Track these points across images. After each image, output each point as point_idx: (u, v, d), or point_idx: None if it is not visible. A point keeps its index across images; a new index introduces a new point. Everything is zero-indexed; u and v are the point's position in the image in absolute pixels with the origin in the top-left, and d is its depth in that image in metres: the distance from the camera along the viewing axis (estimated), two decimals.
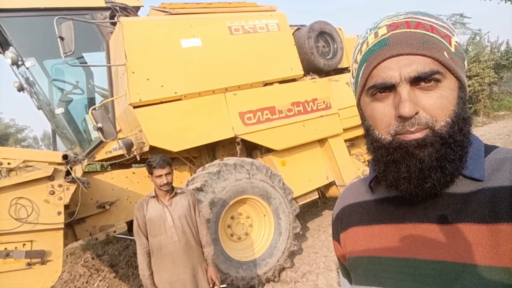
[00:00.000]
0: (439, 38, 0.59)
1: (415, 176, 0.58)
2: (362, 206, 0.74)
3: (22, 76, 4.41)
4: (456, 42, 0.61)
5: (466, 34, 20.79)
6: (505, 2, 20.36)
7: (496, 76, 14.61)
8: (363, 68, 0.64)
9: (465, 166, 0.59)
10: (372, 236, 0.69)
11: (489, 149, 0.64)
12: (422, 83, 0.57)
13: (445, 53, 0.58)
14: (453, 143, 0.57)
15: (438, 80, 0.57)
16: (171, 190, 2.47)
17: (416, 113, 0.56)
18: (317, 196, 4.67)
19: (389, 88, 0.59)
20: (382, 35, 0.61)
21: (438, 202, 0.60)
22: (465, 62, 0.64)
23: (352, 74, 0.70)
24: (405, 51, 0.58)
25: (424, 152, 0.57)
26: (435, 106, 0.57)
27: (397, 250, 0.64)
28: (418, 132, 0.57)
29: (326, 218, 5.55)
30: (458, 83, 0.60)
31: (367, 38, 0.64)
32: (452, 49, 0.60)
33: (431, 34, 0.59)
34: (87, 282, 4.85)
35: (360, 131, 4.92)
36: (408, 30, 0.59)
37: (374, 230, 0.69)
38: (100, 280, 4.80)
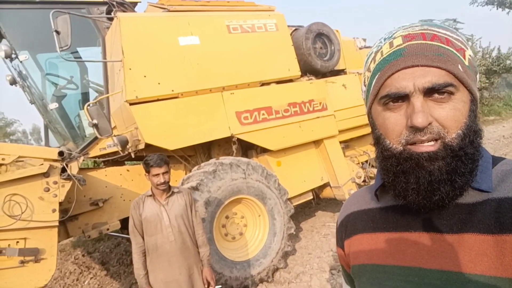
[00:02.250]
0: (454, 51, 0.59)
1: (424, 188, 0.58)
2: (367, 213, 0.75)
3: (15, 69, 4.33)
4: (470, 55, 0.61)
5: None
6: (497, 8, 20.71)
7: (487, 81, 14.85)
8: (376, 77, 0.64)
9: (474, 178, 0.60)
10: (376, 244, 0.70)
11: (496, 160, 0.64)
12: (436, 95, 0.58)
13: (459, 66, 0.58)
14: (464, 156, 0.57)
15: (451, 93, 0.58)
16: (168, 189, 2.46)
17: (429, 124, 0.57)
18: (312, 197, 4.70)
19: (402, 98, 0.59)
20: (397, 46, 0.61)
21: (444, 212, 0.61)
22: (477, 75, 0.64)
23: (364, 82, 0.70)
24: (420, 63, 0.58)
25: (434, 165, 0.57)
26: (448, 117, 0.57)
27: (401, 259, 0.64)
28: (430, 142, 0.58)
29: (320, 219, 5.57)
30: (470, 96, 0.61)
31: (381, 48, 0.64)
32: (466, 63, 0.60)
33: (447, 47, 0.59)
34: (77, 280, 4.80)
35: (355, 133, 5.00)
36: (424, 41, 0.59)
37: (378, 237, 0.70)
38: (91, 278, 4.76)
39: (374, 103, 0.66)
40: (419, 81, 0.58)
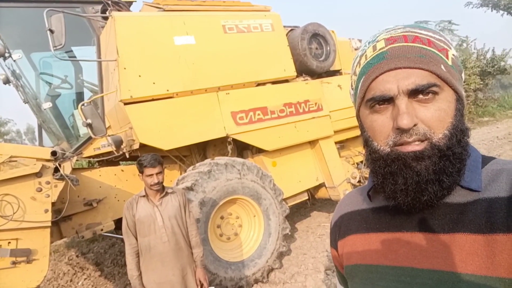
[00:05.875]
0: (436, 51, 0.60)
1: (412, 189, 0.59)
2: (360, 214, 0.75)
3: (9, 68, 4.29)
4: (453, 55, 0.62)
5: (454, 40, 21.30)
6: (491, 10, 20.93)
7: (481, 82, 14.97)
8: (361, 80, 0.65)
9: (462, 177, 0.60)
10: (369, 244, 0.70)
11: (486, 160, 0.65)
12: (420, 96, 0.58)
13: (442, 66, 0.59)
14: (451, 156, 0.58)
15: (435, 93, 0.58)
16: (162, 190, 2.44)
17: (415, 125, 0.57)
18: (307, 197, 4.70)
19: (388, 100, 0.60)
20: (380, 49, 0.62)
21: (435, 212, 0.61)
22: (463, 74, 0.65)
23: (351, 85, 0.71)
24: (402, 65, 0.59)
25: (421, 164, 0.58)
26: (433, 118, 0.58)
27: (394, 259, 0.64)
28: (416, 142, 0.58)
29: (315, 219, 5.58)
30: (456, 95, 0.61)
31: (365, 51, 0.65)
32: (449, 62, 0.61)
33: (428, 48, 0.60)
34: (71, 281, 4.76)
35: (350, 134, 5.01)
36: (405, 44, 0.60)
37: (371, 238, 0.70)
38: (85, 279, 4.72)
39: (362, 106, 0.66)
40: (402, 83, 0.58)
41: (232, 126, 3.80)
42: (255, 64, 4.09)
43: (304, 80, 4.57)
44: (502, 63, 15.52)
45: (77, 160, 4.08)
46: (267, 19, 4.27)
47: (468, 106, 14.58)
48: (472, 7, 21.24)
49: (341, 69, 5.29)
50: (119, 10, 3.94)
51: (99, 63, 3.94)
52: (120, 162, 4.72)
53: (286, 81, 4.39)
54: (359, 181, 4.78)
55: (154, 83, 3.44)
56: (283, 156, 4.35)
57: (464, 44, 19.51)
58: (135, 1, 4.28)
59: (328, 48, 4.83)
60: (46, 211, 2.56)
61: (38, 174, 2.56)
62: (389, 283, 0.64)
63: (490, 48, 15.98)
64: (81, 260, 5.48)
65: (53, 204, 2.67)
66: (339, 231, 0.79)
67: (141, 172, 2.37)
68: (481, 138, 10.36)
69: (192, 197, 3.23)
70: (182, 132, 3.54)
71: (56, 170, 2.67)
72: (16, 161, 2.57)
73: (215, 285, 3.22)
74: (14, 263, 2.41)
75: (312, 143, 4.61)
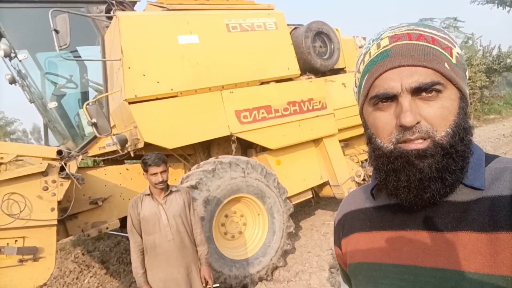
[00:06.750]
0: (440, 49, 0.60)
1: (415, 186, 0.59)
2: (363, 212, 0.75)
3: (14, 68, 4.33)
4: (458, 53, 0.62)
5: (459, 37, 21.13)
6: (497, 7, 20.71)
7: (487, 80, 14.85)
8: (365, 78, 0.65)
9: (465, 175, 0.60)
10: (373, 243, 0.70)
11: (490, 158, 0.64)
12: (423, 94, 0.58)
13: (446, 65, 0.59)
14: (454, 153, 0.58)
15: (439, 91, 0.58)
16: (166, 188, 2.46)
17: (417, 123, 0.58)
18: (311, 196, 4.70)
19: (391, 98, 0.60)
20: (384, 47, 0.62)
21: (439, 210, 0.61)
22: (467, 73, 0.65)
23: (355, 83, 0.71)
24: (406, 63, 0.59)
25: (424, 162, 0.58)
26: (436, 116, 0.58)
27: (397, 257, 0.65)
28: (419, 140, 0.58)
29: (319, 217, 5.58)
30: (459, 94, 0.61)
31: (369, 49, 0.65)
32: (454, 60, 0.61)
33: (432, 46, 0.60)
34: (77, 278, 4.80)
35: (355, 132, 4.99)
36: (409, 42, 0.60)
37: (375, 236, 0.70)
38: (91, 277, 4.76)
39: (365, 103, 0.67)
40: (406, 81, 0.58)
41: (236, 124, 3.81)
42: (259, 63, 4.09)
43: (308, 78, 4.56)
44: (508, 60, 15.39)
45: (82, 159, 4.11)
46: (271, 17, 4.27)
47: (474, 104, 14.45)
48: (478, 4, 21.04)
49: (345, 67, 5.27)
50: (123, 10, 3.96)
51: (104, 63, 3.97)
52: (125, 161, 4.75)
53: (290, 79, 4.38)
54: (363, 179, 4.76)
55: (158, 82, 3.46)
56: (287, 154, 4.35)
57: (470, 41, 19.35)
58: (139, 1, 4.30)
59: (332, 46, 4.82)
60: (52, 209, 2.59)
61: (44, 173, 2.59)
62: (392, 281, 0.64)
63: (496, 45, 15.85)
64: (87, 258, 5.53)
65: (59, 202, 2.70)
66: (342, 229, 0.80)
67: (146, 170, 2.39)
68: (487, 136, 10.26)
69: (196, 195, 3.25)
70: (186, 131, 3.55)
71: (62, 169, 2.70)
72: (22, 160, 2.60)
73: (220, 283, 3.24)
74: (21, 261, 2.45)
75: (316, 141, 4.61)
